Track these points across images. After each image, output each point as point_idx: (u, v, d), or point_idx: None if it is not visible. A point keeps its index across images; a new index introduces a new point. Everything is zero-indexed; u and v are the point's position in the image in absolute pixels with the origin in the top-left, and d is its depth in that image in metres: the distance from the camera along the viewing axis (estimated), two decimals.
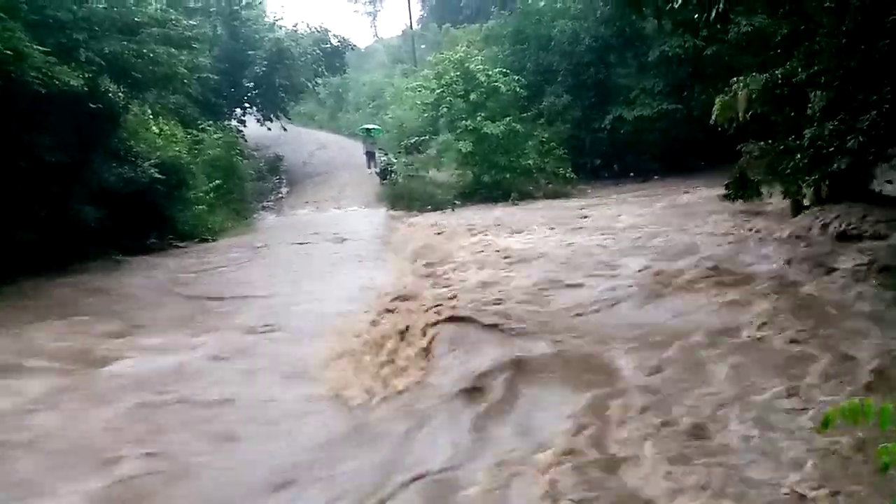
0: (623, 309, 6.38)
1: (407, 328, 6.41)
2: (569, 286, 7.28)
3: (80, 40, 11.45)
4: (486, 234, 11.94)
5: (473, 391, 5.02)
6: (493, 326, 6.01)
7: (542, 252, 9.36)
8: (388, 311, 7.18)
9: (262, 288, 10.58)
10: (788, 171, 8.32)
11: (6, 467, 4.83)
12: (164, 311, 9.39)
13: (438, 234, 13.03)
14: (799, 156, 8.03)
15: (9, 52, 9.82)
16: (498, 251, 9.88)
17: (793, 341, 4.97)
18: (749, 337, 5.21)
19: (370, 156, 23.82)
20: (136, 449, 4.99)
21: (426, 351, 5.95)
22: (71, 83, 10.66)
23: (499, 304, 6.69)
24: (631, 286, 6.93)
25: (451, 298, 6.90)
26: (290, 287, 10.56)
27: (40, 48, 10.40)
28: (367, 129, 24.92)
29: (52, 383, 6.44)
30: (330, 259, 12.68)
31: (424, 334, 6.15)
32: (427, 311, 6.57)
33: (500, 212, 16.27)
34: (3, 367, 6.82)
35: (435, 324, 6.23)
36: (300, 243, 14.41)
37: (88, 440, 5.22)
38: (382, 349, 6.33)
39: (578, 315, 6.30)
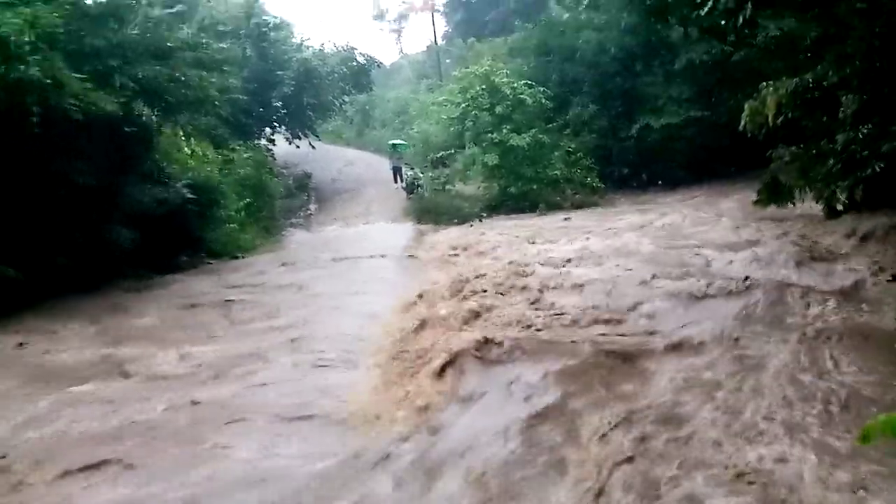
0: None
1: None
2: None
3: (115, 66, 11.74)
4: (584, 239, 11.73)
5: None
6: None
7: None
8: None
9: (360, 291, 10.72)
10: (821, 176, 8.19)
11: None
12: (303, 309, 9.65)
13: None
14: (832, 160, 7.91)
15: (49, 80, 10.11)
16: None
17: None
18: None
19: (397, 171, 23.99)
20: None
21: None
22: (107, 108, 10.94)
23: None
24: None
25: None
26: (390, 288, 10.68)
27: (77, 75, 10.70)
28: (394, 145, 25.10)
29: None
30: (398, 270, 12.64)
31: None
32: None
33: (544, 222, 16.02)
34: (248, 353, 7.40)
35: None
36: (370, 256, 13.96)
37: None
38: None
39: None
